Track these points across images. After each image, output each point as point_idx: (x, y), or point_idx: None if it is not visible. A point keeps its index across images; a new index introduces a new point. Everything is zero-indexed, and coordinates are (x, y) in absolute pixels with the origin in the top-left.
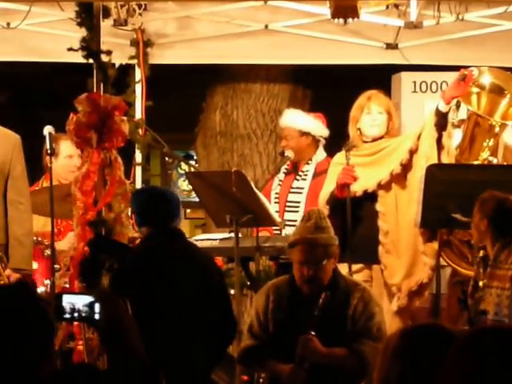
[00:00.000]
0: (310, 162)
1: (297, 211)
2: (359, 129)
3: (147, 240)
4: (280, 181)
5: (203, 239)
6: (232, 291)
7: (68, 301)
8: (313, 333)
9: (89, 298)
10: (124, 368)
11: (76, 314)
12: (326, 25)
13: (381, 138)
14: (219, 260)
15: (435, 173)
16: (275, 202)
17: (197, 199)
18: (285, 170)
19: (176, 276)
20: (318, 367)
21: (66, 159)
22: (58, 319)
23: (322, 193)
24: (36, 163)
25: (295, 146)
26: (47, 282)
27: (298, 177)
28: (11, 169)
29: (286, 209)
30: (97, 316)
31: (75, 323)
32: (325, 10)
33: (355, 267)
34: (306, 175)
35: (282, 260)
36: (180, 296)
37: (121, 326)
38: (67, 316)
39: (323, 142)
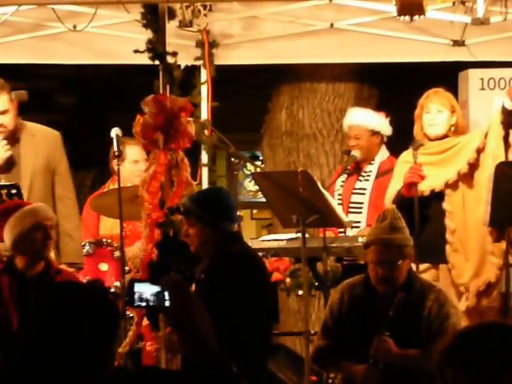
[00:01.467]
0: (372, 162)
1: (360, 212)
2: (422, 128)
3: (229, 242)
4: (342, 181)
5: (270, 240)
6: (300, 292)
7: (137, 289)
8: (387, 333)
9: (156, 288)
10: (195, 356)
11: (144, 303)
12: (392, 22)
13: (444, 136)
14: (286, 260)
15: (505, 170)
16: (339, 203)
17: (263, 200)
18: (347, 171)
19: (265, 275)
20: (392, 368)
21: (132, 164)
22: (130, 306)
23: (389, 192)
24: (103, 165)
25: (365, 146)
26: (117, 283)
27: (360, 177)
28: (57, 165)
29: (350, 210)
30: (167, 303)
31: (144, 324)
32: (390, 8)
33: (422, 267)
34: (368, 176)
35: (346, 262)
36: (266, 294)
37: (190, 313)
38: (137, 304)
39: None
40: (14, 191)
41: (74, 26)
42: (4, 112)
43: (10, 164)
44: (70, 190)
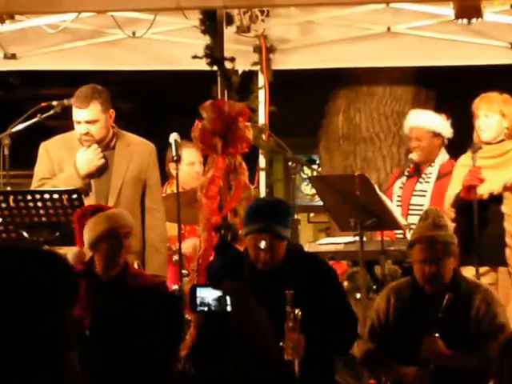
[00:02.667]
0: (433, 164)
1: (420, 214)
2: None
3: (292, 247)
4: (402, 183)
5: (327, 243)
6: (358, 295)
7: (199, 294)
8: (437, 334)
9: (218, 293)
10: (255, 360)
11: (206, 308)
12: (450, 25)
13: (500, 140)
14: (344, 264)
15: None
16: (398, 206)
17: (320, 203)
18: (407, 173)
19: None
20: (442, 369)
21: (188, 166)
22: (192, 311)
23: (448, 195)
24: (161, 170)
25: (426, 147)
26: (175, 287)
27: (421, 179)
28: (147, 177)
29: (410, 212)
30: (228, 308)
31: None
32: (448, 11)
33: (481, 270)
34: (429, 178)
35: (406, 264)
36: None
37: (250, 319)
38: (200, 308)
39: (445, 143)
40: (74, 196)
41: (133, 33)
42: (92, 122)
43: (102, 171)
44: (159, 202)
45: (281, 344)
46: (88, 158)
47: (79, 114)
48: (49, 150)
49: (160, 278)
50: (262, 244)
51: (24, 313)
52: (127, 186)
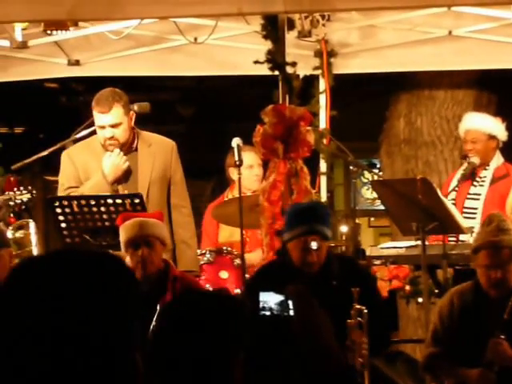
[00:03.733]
0: (487, 167)
1: (474, 218)
2: None
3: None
4: (456, 187)
5: (389, 247)
6: (420, 299)
7: (261, 298)
8: (502, 336)
9: (280, 297)
10: (318, 363)
11: (268, 312)
12: (511, 29)
13: None
14: (406, 268)
15: None
16: None
17: (381, 207)
18: (461, 177)
19: None
20: (507, 371)
21: (247, 169)
22: (255, 316)
23: (510, 200)
24: (223, 174)
25: (482, 150)
26: (237, 291)
27: (475, 183)
28: (172, 174)
29: (463, 215)
30: (291, 313)
31: None
32: (509, 14)
33: None
34: (483, 181)
35: (459, 267)
36: None
37: (314, 323)
38: (262, 313)
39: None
40: (136, 201)
41: (195, 39)
42: (116, 125)
43: (128, 174)
44: (185, 198)
45: (347, 342)
46: (114, 163)
47: (103, 119)
48: (72, 158)
49: (193, 272)
50: (314, 245)
51: (94, 315)
52: (154, 185)
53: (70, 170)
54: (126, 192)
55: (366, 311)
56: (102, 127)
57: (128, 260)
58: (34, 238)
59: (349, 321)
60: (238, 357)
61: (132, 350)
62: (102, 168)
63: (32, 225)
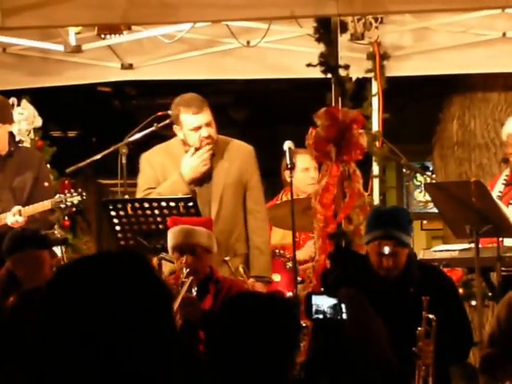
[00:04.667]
0: None
1: None
2: None
3: (414, 255)
4: (500, 192)
5: (442, 250)
6: (473, 302)
7: (314, 302)
8: None
9: (333, 300)
10: (371, 368)
11: (321, 316)
12: None
13: None
14: (459, 271)
15: None
16: None
17: (433, 210)
18: (504, 181)
19: None
20: None
21: (303, 172)
22: (308, 319)
23: None
24: (275, 177)
25: None
26: (289, 294)
27: None
28: (248, 179)
29: None
30: (344, 316)
31: None
32: None
33: None
34: None
35: (504, 272)
36: None
37: (367, 327)
38: (315, 316)
39: None
40: (190, 204)
41: (248, 42)
42: (209, 124)
43: (205, 177)
44: (261, 204)
45: (413, 349)
46: (192, 164)
47: (199, 119)
48: (150, 161)
49: (265, 278)
50: (386, 250)
51: (141, 315)
52: (229, 190)
53: (148, 173)
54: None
55: (435, 320)
56: (198, 128)
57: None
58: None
59: (419, 328)
60: (291, 358)
61: (177, 349)
62: (180, 168)
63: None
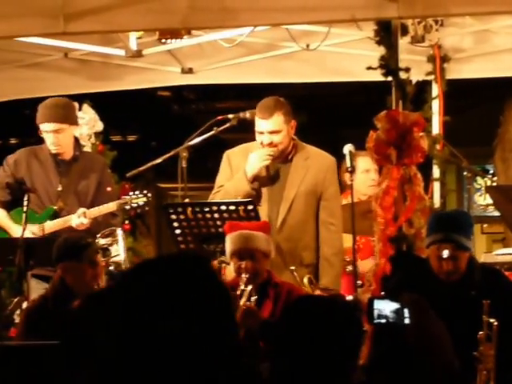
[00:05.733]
0: None
1: None
2: None
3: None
4: None
5: (504, 253)
6: None
7: (377, 306)
8: None
9: (395, 305)
10: (434, 374)
11: (383, 320)
12: None
13: None
14: None
15: None
16: None
17: (494, 213)
18: None
19: None
20: None
21: (364, 174)
22: (370, 323)
23: None
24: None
25: None
26: (350, 297)
27: None
28: (324, 190)
29: None
30: (406, 321)
31: None
32: None
33: None
34: None
35: None
36: None
37: (429, 331)
38: (377, 321)
39: None
40: (250, 207)
41: (307, 45)
42: (276, 132)
43: (271, 177)
44: (335, 216)
45: (475, 354)
46: (253, 159)
47: (263, 125)
48: (230, 159)
49: (332, 291)
50: (445, 253)
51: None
52: (300, 198)
53: (225, 171)
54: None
55: (496, 324)
56: (261, 133)
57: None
58: (121, 246)
59: (480, 332)
60: (353, 362)
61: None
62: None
63: (120, 232)
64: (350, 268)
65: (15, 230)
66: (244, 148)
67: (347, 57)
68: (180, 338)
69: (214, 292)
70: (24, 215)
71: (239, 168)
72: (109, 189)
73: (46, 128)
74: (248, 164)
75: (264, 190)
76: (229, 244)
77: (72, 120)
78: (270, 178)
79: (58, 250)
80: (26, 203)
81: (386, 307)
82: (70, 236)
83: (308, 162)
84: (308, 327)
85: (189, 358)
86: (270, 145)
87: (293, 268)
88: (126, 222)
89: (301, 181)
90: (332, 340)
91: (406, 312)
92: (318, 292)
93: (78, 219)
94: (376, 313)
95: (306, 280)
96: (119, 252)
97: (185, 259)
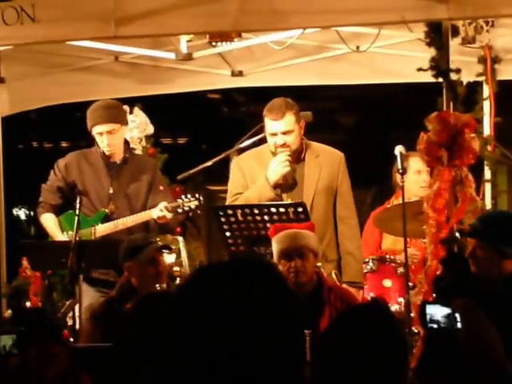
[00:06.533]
0: None
1: None
2: None
3: None
4: None
5: None
6: None
7: (428, 311)
8: None
9: (447, 310)
10: (485, 379)
11: (435, 325)
12: None
13: None
14: None
15: None
16: None
17: None
18: None
19: None
20: None
21: (415, 175)
22: (423, 328)
23: None
24: (384, 182)
25: None
26: (401, 299)
27: None
28: (339, 185)
29: None
30: (458, 325)
31: None
32: None
33: None
34: None
35: None
36: None
37: (482, 336)
38: (429, 325)
39: None
40: (300, 209)
41: (357, 47)
42: (288, 132)
43: (291, 182)
44: (352, 210)
45: None
46: (273, 166)
47: (275, 126)
48: (241, 165)
49: (357, 284)
50: None
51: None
52: (319, 196)
53: (237, 177)
54: (289, 201)
55: None
56: (274, 134)
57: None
58: (183, 253)
59: None
60: (402, 371)
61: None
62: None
63: (181, 239)
64: (401, 270)
65: (58, 237)
66: (254, 153)
67: (397, 58)
68: (245, 341)
69: (282, 295)
70: (76, 218)
71: (253, 174)
72: (161, 188)
73: (99, 130)
74: (270, 170)
75: (284, 195)
76: (276, 245)
77: (123, 120)
78: (291, 183)
79: (122, 250)
80: (78, 206)
81: (437, 312)
82: (133, 237)
83: (319, 159)
84: (352, 337)
85: (249, 359)
86: (284, 146)
87: (319, 265)
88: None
89: (317, 179)
90: (376, 352)
91: (458, 317)
92: (344, 286)
93: (161, 212)
94: (428, 317)
95: (333, 275)
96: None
97: (251, 263)
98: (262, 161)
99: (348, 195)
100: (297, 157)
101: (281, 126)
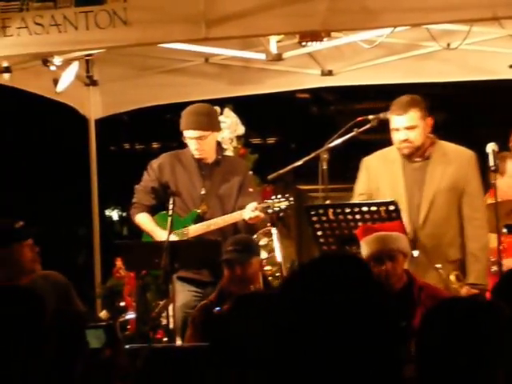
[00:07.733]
0: None
1: None
2: None
3: None
4: None
5: None
6: None
7: None
8: None
9: None
10: None
11: None
12: None
13: None
14: None
15: None
16: None
17: None
18: None
19: None
20: None
21: (511, 178)
22: None
23: None
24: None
25: None
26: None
27: None
28: (466, 185)
29: None
30: None
31: None
32: None
33: None
34: None
35: None
36: None
37: None
38: None
39: None
40: (391, 208)
41: (448, 44)
42: (411, 128)
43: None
44: (480, 210)
45: None
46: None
47: (398, 121)
48: (368, 166)
49: (481, 286)
50: None
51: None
52: (441, 194)
53: (363, 178)
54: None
55: None
56: (397, 129)
57: None
58: (276, 245)
59: None
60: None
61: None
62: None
63: (274, 231)
64: (494, 268)
65: (159, 234)
66: (381, 154)
67: (489, 55)
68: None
69: (375, 293)
70: (169, 219)
71: (377, 174)
72: (251, 190)
73: (189, 135)
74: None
75: (402, 189)
76: (366, 248)
77: (215, 127)
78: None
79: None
80: (171, 207)
81: None
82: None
83: (447, 157)
84: (451, 332)
85: (353, 357)
86: (405, 141)
87: (438, 266)
88: (268, 224)
89: (441, 177)
90: (478, 344)
91: None
92: (465, 288)
93: (252, 213)
94: None
95: (452, 277)
96: (274, 252)
97: (346, 261)
98: (388, 161)
99: (476, 195)
100: (422, 154)
101: (403, 121)
